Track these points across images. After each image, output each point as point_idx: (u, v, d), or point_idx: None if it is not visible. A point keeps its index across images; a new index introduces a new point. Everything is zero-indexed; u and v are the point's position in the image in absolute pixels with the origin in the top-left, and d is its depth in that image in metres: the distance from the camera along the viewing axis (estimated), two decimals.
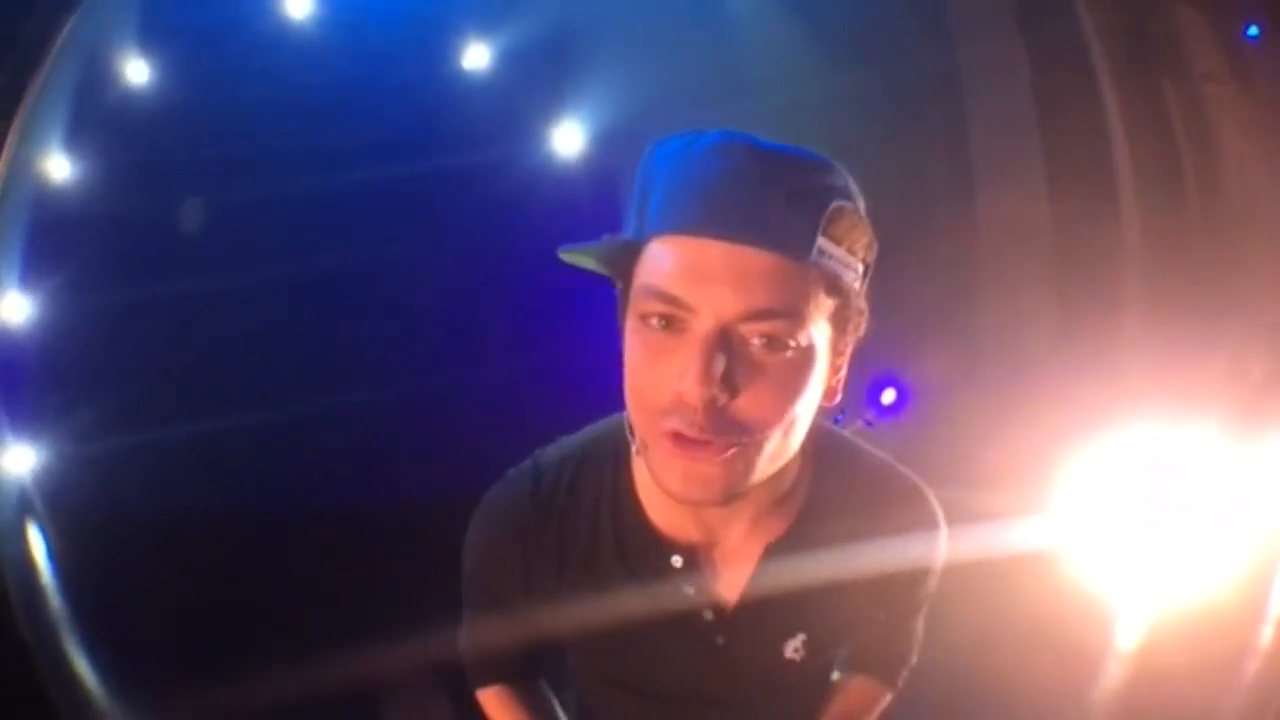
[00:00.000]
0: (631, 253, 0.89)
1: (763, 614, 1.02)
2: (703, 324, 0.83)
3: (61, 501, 2.04)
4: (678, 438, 0.85)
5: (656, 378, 0.86)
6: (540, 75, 2.45)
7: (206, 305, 2.27)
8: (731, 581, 1.01)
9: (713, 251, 0.83)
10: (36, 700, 1.49)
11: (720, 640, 1.03)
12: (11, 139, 1.44)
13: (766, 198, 0.83)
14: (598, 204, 2.31)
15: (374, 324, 2.26)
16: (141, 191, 2.35)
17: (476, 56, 2.58)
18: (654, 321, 0.85)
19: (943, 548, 1.07)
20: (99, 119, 2.33)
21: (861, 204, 0.88)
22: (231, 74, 2.39)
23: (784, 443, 0.89)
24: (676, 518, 0.98)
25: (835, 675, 1.15)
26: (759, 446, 0.87)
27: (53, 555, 1.93)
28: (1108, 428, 1.62)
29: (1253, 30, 1.96)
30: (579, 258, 0.92)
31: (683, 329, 0.84)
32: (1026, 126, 1.89)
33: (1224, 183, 1.67)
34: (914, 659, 1.17)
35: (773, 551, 1.00)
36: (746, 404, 0.84)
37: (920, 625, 1.16)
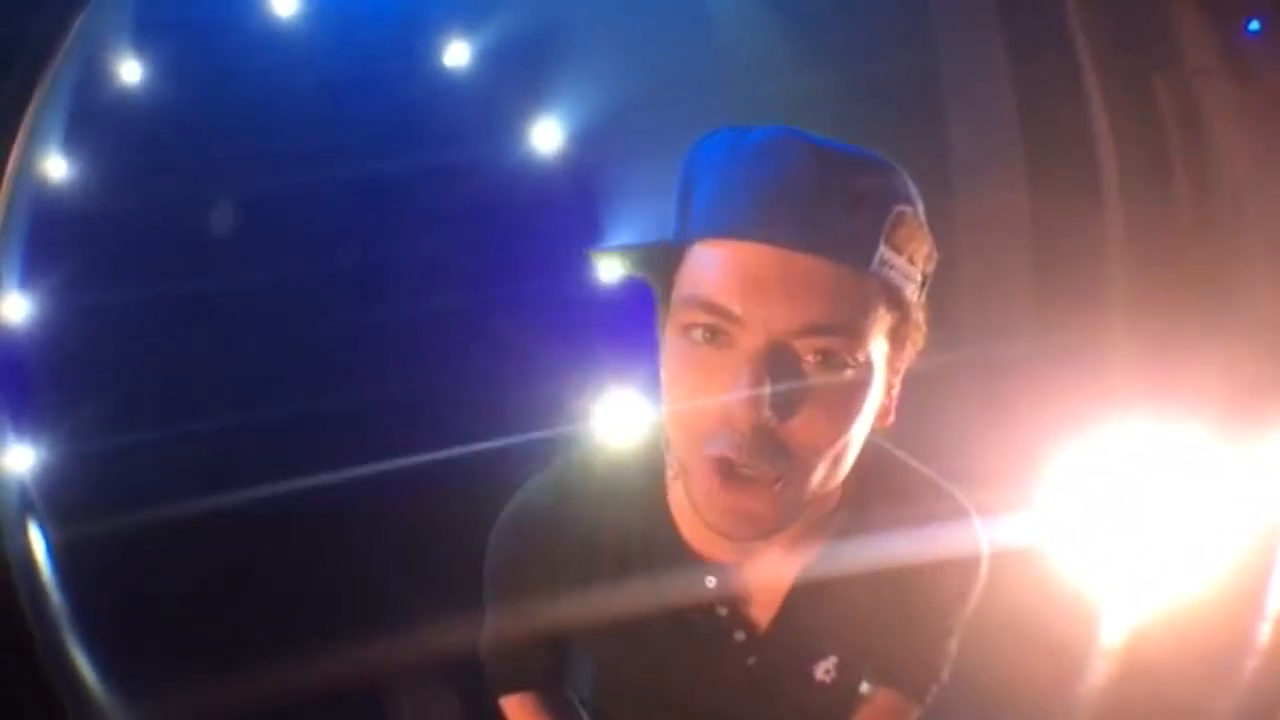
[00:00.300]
0: (672, 257, 0.86)
1: (795, 636, 1.01)
2: (752, 338, 0.79)
3: (61, 500, 2.14)
4: (723, 467, 0.81)
5: (699, 396, 0.82)
6: (520, 73, 2.52)
7: (204, 304, 2.37)
8: (765, 602, 1.01)
9: (764, 258, 0.79)
10: (44, 697, 1.58)
11: (751, 661, 1.02)
12: (21, 138, 1.49)
13: (825, 201, 0.79)
14: (577, 202, 2.39)
15: (369, 322, 2.34)
16: (138, 191, 2.45)
17: (457, 54, 2.65)
18: (697, 334, 0.81)
19: (984, 570, 1.05)
20: (94, 119, 2.43)
21: (921, 209, 0.85)
22: (216, 73, 2.48)
23: (835, 470, 0.86)
24: (712, 536, 0.93)
25: (864, 687, 1.14)
26: (808, 476, 0.83)
27: (53, 553, 2.03)
28: (1094, 425, 1.68)
29: (1254, 25, 2.01)
30: (614, 258, 0.90)
31: (729, 343, 0.80)
32: (1007, 120, 1.93)
33: (1215, 180, 1.72)
34: (945, 677, 1.14)
35: (808, 573, 0.99)
36: (798, 427, 0.80)
37: (954, 645, 1.12)
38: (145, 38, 2.51)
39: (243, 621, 1.96)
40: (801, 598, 1.00)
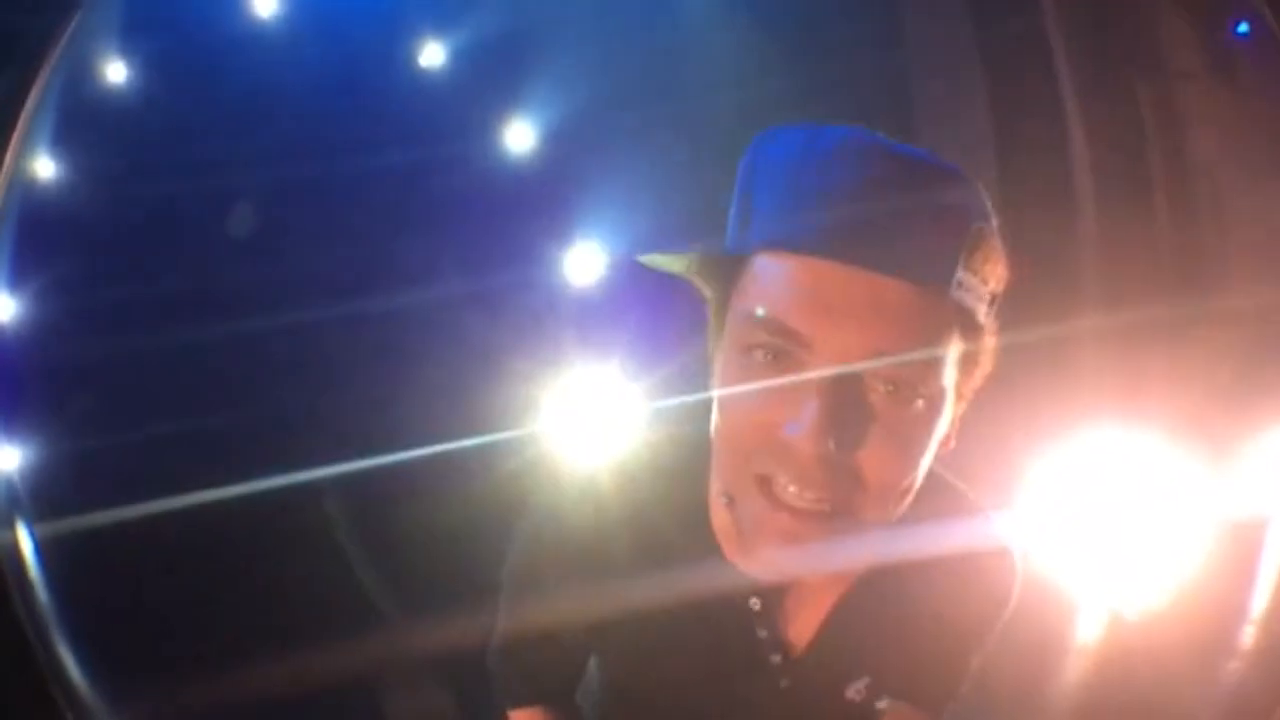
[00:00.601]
0: (732, 267, 0.82)
1: (832, 657, 1.00)
2: (820, 363, 0.76)
3: (48, 499, 2.22)
4: (769, 489, 0.79)
5: (758, 420, 0.79)
6: (495, 74, 2.59)
7: (188, 303, 2.45)
8: (804, 625, 0.99)
9: (838, 278, 0.75)
10: (39, 694, 1.66)
11: (784, 683, 1.01)
12: (17, 137, 1.55)
13: (904, 216, 0.76)
14: (551, 202, 2.46)
15: (353, 321, 2.42)
16: (123, 191, 2.53)
17: (432, 55, 2.71)
18: (759, 355, 0.78)
19: (1016, 594, 1.05)
20: (80, 119, 2.51)
21: (996, 223, 0.82)
22: (197, 74, 2.56)
23: (900, 503, 0.83)
24: (756, 557, 0.88)
25: (882, 702, 1.11)
26: (870, 509, 0.80)
27: (40, 552, 2.11)
28: (1073, 427, 1.76)
29: (1243, 27, 2.05)
30: (668, 263, 0.87)
31: (795, 367, 0.77)
32: (978, 121, 1.97)
33: (1195, 183, 1.79)
34: (962, 691, 1.12)
35: (848, 595, 0.98)
36: (865, 462, 0.77)
37: (976, 662, 1.11)
38: (127, 38, 2.59)
39: (231, 620, 2.04)
40: (841, 619, 0.99)
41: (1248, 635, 1.80)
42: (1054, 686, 1.80)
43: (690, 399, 0.91)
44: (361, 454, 1.51)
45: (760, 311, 0.78)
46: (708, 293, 0.86)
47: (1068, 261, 1.84)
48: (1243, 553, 1.79)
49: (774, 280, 0.78)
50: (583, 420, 1.78)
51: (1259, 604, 1.77)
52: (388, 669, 1.86)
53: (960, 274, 0.78)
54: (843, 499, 0.79)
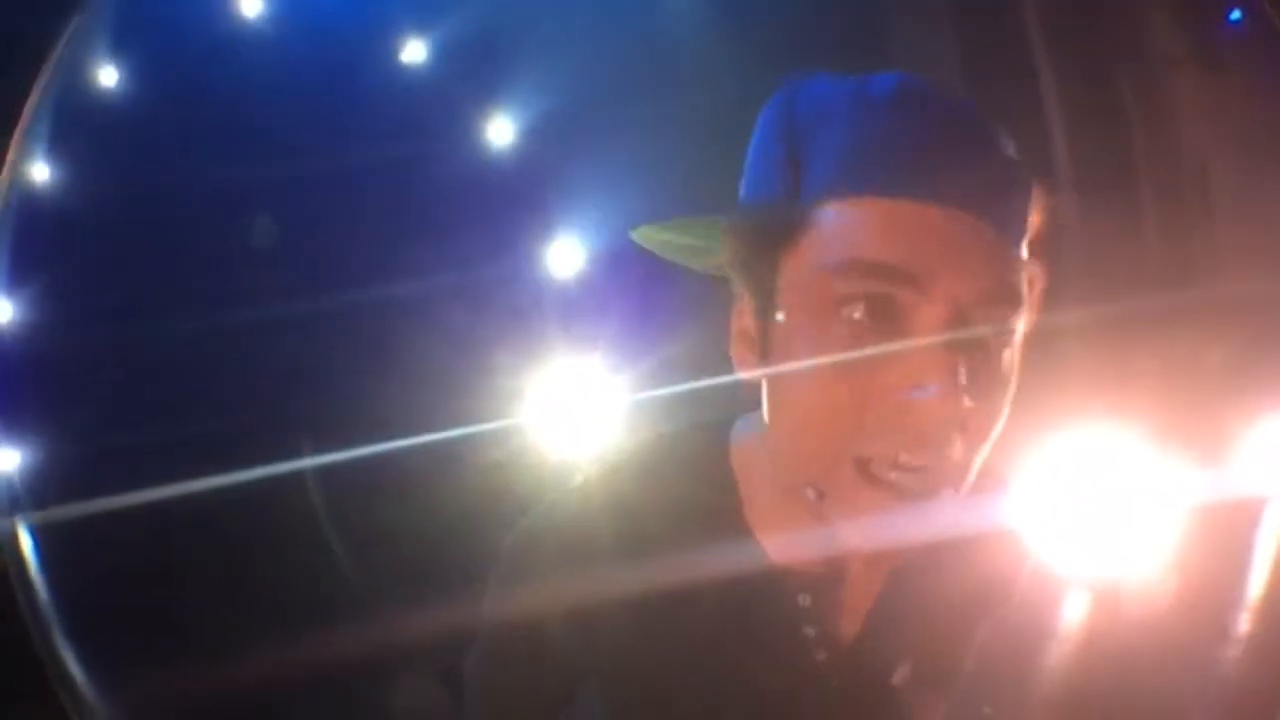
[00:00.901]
0: (793, 220, 0.76)
1: (878, 647, 0.96)
2: (936, 311, 0.70)
3: (47, 499, 2.28)
4: (867, 471, 0.73)
5: (867, 390, 0.72)
6: (476, 71, 2.65)
7: (179, 305, 2.52)
8: (851, 616, 0.95)
9: (936, 217, 0.71)
10: (43, 694, 1.72)
11: (834, 682, 0.95)
12: (17, 141, 1.61)
13: (987, 161, 0.76)
14: (532, 196, 2.51)
15: (336, 316, 2.47)
16: (120, 194, 2.60)
17: (413, 52, 2.77)
18: (856, 310, 0.71)
19: (1027, 569, 1.05)
20: (80, 122, 2.58)
21: None
22: (186, 77, 2.61)
23: (976, 468, 0.78)
24: (801, 548, 0.88)
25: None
26: (958, 476, 0.76)
27: (41, 553, 2.17)
28: (1061, 419, 1.80)
29: (1235, 14, 2.07)
30: (677, 234, 0.87)
31: (900, 319, 0.71)
32: None
33: (1183, 176, 1.82)
34: (968, 667, 1.10)
35: (893, 580, 0.94)
36: (976, 418, 0.74)
37: (979, 640, 1.07)
38: (125, 42, 2.65)
39: (229, 617, 2.10)
40: (888, 604, 0.95)
41: (1246, 623, 1.82)
42: (1050, 670, 1.84)
43: (719, 383, 0.87)
44: (349, 446, 1.56)
45: (858, 255, 0.71)
46: (752, 261, 0.79)
47: (1052, 253, 1.87)
48: (1237, 543, 1.82)
49: (861, 224, 0.72)
50: (568, 413, 1.83)
51: (1256, 593, 1.80)
52: (381, 662, 1.91)
53: (1027, 222, 0.79)
54: (943, 464, 0.74)
